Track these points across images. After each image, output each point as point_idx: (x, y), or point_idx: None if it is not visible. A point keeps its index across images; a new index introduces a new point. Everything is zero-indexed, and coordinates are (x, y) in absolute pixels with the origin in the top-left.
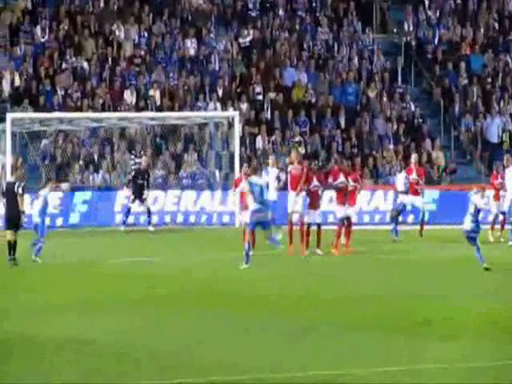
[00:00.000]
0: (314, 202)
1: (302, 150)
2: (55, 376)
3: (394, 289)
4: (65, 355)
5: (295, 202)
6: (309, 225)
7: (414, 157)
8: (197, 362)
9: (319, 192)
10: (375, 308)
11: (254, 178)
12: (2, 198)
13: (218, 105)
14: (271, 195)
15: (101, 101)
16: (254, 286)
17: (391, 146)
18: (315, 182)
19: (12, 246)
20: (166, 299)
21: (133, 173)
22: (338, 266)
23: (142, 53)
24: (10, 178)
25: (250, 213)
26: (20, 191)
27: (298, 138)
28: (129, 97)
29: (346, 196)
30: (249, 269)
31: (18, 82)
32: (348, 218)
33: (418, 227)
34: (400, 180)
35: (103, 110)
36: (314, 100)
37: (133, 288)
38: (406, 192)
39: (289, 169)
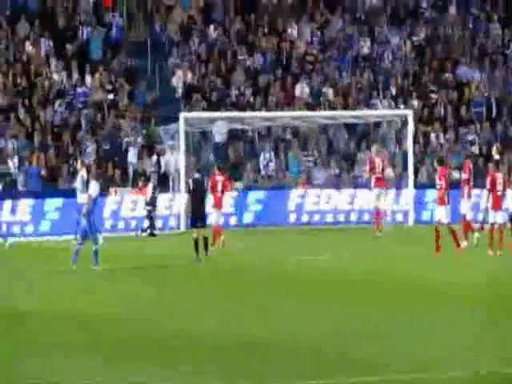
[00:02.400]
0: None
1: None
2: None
3: None
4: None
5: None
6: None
7: None
8: (387, 359)
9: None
10: None
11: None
12: (188, 194)
13: (391, 102)
14: None
15: (274, 99)
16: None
17: None
18: None
19: (203, 244)
20: (354, 294)
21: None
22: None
23: (315, 51)
24: (196, 175)
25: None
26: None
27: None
28: (301, 94)
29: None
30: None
31: (190, 79)
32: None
33: None
34: None
35: (276, 107)
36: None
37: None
38: None
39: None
